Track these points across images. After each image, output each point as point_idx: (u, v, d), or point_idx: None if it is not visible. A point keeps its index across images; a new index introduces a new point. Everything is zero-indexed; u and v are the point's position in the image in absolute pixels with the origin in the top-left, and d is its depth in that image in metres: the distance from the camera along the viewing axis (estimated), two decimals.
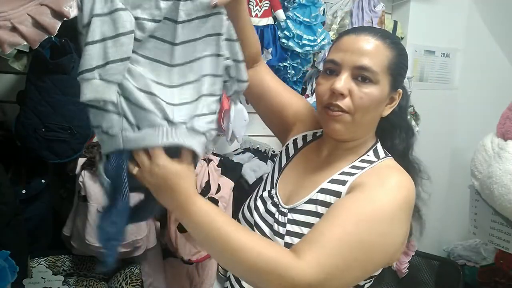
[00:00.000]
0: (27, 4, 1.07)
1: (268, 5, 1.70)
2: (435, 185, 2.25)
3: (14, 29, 1.05)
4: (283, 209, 0.87)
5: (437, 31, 2.17)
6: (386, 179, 0.79)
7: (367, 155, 0.88)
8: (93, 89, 0.63)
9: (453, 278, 1.91)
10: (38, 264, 1.45)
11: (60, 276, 1.41)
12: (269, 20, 1.72)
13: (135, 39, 0.65)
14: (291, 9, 1.76)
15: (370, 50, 0.81)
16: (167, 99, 0.68)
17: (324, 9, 1.84)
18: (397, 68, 0.84)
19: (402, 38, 2.12)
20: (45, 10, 1.09)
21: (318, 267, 0.68)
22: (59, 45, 1.34)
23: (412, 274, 1.99)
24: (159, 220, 1.66)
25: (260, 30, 1.70)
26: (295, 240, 0.81)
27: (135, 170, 0.70)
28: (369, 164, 0.84)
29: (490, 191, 1.55)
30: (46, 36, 1.10)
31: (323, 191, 0.84)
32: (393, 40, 0.85)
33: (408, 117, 1.99)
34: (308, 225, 0.81)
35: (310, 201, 0.84)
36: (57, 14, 1.10)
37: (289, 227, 0.84)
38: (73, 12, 1.10)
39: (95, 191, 1.43)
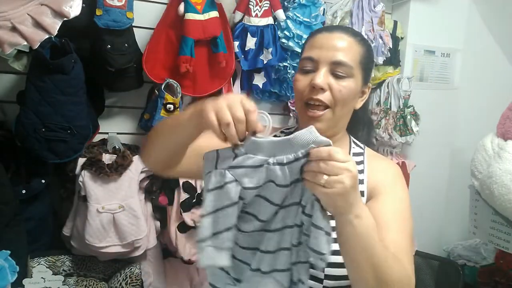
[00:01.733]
0: (27, 4, 1.07)
1: (268, 5, 1.70)
2: (435, 185, 2.25)
3: (14, 29, 1.05)
4: None
5: (437, 31, 2.17)
6: (389, 173, 0.91)
7: (353, 147, 0.96)
8: (208, 256, 0.70)
9: (453, 278, 1.91)
10: (38, 264, 1.45)
11: (60, 276, 1.41)
12: (269, 20, 1.72)
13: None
14: (291, 9, 1.76)
15: (344, 46, 0.86)
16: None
17: (324, 9, 1.84)
18: (368, 63, 0.91)
19: (402, 38, 2.12)
20: (45, 10, 1.09)
21: (413, 272, 0.79)
22: (59, 45, 1.34)
23: None
24: (159, 220, 1.66)
25: (260, 30, 1.70)
26: (337, 246, 0.82)
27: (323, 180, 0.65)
28: (361, 156, 0.94)
29: (490, 191, 1.55)
30: (46, 36, 1.10)
31: None
32: (362, 37, 0.92)
33: (408, 117, 2.00)
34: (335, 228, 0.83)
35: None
36: (57, 14, 1.10)
37: None
38: (73, 12, 1.10)
39: (95, 191, 1.43)
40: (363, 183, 0.89)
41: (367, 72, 0.92)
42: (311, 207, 0.69)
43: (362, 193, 0.87)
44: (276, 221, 0.73)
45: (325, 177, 0.64)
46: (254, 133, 0.68)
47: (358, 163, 0.91)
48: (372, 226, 0.71)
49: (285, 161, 0.68)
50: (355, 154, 0.94)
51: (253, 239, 0.75)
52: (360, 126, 1.02)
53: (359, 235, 0.69)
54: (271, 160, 0.68)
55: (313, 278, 0.84)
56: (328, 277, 0.84)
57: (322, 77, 0.84)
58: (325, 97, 0.84)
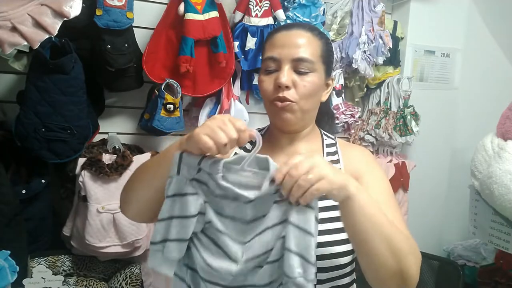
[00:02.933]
0: (27, 4, 1.07)
1: (268, 5, 1.70)
2: (435, 185, 2.26)
3: (14, 29, 1.05)
4: None
5: (437, 31, 2.17)
6: (363, 158, 0.95)
7: (325, 139, 0.99)
8: (156, 261, 0.71)
9: (453, 278, 1.91)
10: (38, 264, 1.45)
11: (60, 276, 1.41)
12: (269, 20, 1.72)
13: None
14: (291, 9, 1.76)
15: (304, 43, 0.88)
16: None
17: (324, 9, 1.84)
18: (328, 56, 0.93)
19: (402, 38, 2.12)
20: (45, 10, 1.09)
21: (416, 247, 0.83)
22: (59, 45, 1.34)
23: None
24: None
25: (260, 30, 1.70)
26: (324, 238, 0.84)
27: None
28: (334, 146, 0.97)
29: (490, 191, 1.55)
30: (46, 36, 1.10)
31: None
32: (319, 31, 0.93)
33: (408, 117, 2.00)
34: (326, 220, 0.86)
35: (322, 198, 0.85)
36: (57, 14, 1.10)
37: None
38: (73, 12, 1.10)
39: (95, 191, 1.43)
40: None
41: (329, 64, 0.94)
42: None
43: None
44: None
45: (302, 182, 0.64)
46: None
47: (332, 153, 0.95)
48: (373, 198, 0.73)
49: (252, 197, 0.66)
50: (328, 145, 0.97)
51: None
52: (324, 120, 1.05)
53: (366, 208, 0.70)
54: (242, 199, 0.67)
55: None
56: (320, 270, 0.84)
57: (286, 75, 0.86)
58: (290, 94, 0.86)
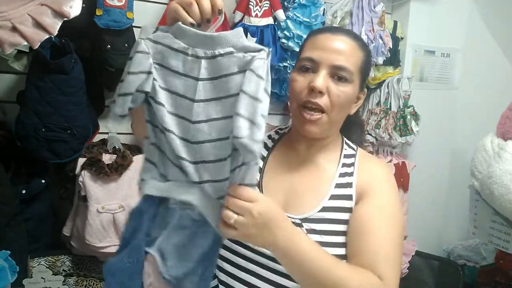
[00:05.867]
0: (27, 4, 1.07)
1: (268, 5, 1.70)
2: (435, 185, 2.26)
3: (14, 29, 1.05)
4: (294, 220, 0.85)
5: (437, 31, 2.17)
6: (379, 176, 0.89)
7: (345, 149, 0.94)
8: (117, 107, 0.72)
9: (453, 278, 1.91)
10: (38, 264, 1.45)
11: (60, 276, 1.41)
12: (269, 20, 1.72)
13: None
14: (291, 9, 1.76)
15: (347, 50, 0.84)
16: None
17: (324, 9, 1.84)
18: (366, 69, 0.89)
19: (402, 38, 2.12)
20: (45, 10, 1.09)
21: (395, 279, 0.78)
22: (59, 45, 1.34)
23: (412, 274, 1.98)
24: None
25: (260, 30, 1.70)
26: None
27: (232, 220, 0.63)
28: (353, 158, 0.92)
29: (490, 191, 1.55)
30: (46, 36, 1.10)
31: (334, 197, 0.86)
32: (363, 42, 0.90)
33: (408, 117, 2.00)
34: (327, 232, 0.83)
35: (325, 209, 0.85)
36: (57, 14, 1.10)
37: (311, 237, 0.82)
38: (73, 12, 1.10)
39: (95, 191, 1.43)
40: (351, 186, 0.87)
41: (365, 78, 0.90)
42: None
43: (350, 197, 0.86)
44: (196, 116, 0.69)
45: (235, 216, 0.63)
46: (219, 12, 0.68)
47: (349, 165, 0.90)
48: (308, 248, 0.70)
49: (200, 55, 0.66)
50: (346, 156, 0.92)
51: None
52: (353, 128, 1.01)
53: (298, 263, 0.70)
54: (190, 51, 0.67)
55: None
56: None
57: (322, 80, 0.82)
58: (322, 101, 0.83)
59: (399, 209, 0.87)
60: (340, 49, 0.84)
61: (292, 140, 0.95)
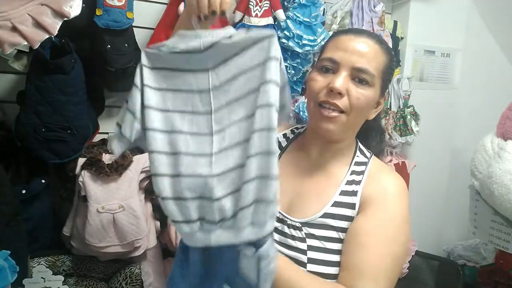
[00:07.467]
0: (27, 4, 1.07)
1: (268, 5, 1.70)
2: (435, 185, 2.25)
3: (14, 29, 1.05)
4: (294, 223, 0.85)
5: (437, 31, 2.17)
6: (388, 189, 0.85)
7: (357, 156, 0.92)
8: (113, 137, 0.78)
9: (453, 278, 1.91)
10: (38, 264, 1.45)
11: (60, 276, 1.41)
12: (269, 20, 1.71)
13: None
14: (291, 9, 1.76)
15: (369, 53, 0.82)
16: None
17: (324, 9, 1.84)
18: (388, 74, 0.87)
19: (402, 38, 2.12)
20: (46, 10, 1.09)
21: None
22: (59, 45, 1.34)
23: (412, 274, 1.98)
24: (159, 220, 1.66)
25: None
26: (318, 255, 0.82)
27: None
28: (364, 166, 0.89)
29: (490, 191, 1.55)
30: (46, 36, 1.10)
31: (337, 204, 0.85)
32: (387, 46, 0.88)
33: (408, 117, 2.00)
34: (327, 239, 0.83)
35: (326, 215, 0.84)
36: (57, 14, 1.10)
37: (309, 241, 0.83)
38: (73, 12, 1.10)
39: (95, 191, 1.43)
40: (356, 195, 0.85)
41: (386, 83, 0.88)
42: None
43: (353, 206, 0.84)
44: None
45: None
46: (222, 12, 0.72)
47: (358, 173, 0.88)
48: (291, 265, 0.74)
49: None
50: (357, 163, 0.90)
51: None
52: (372, 135, 0.99)
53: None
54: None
55: (296, 262, 0.83)
56: (311, 260, 0.83)
57: (341, 81, 0.81)
58: (341, 102, 0.81)
59: (403, 226, 0.82)
60: (362, 51, 0.82)
61: (306, 143, 0.94)
